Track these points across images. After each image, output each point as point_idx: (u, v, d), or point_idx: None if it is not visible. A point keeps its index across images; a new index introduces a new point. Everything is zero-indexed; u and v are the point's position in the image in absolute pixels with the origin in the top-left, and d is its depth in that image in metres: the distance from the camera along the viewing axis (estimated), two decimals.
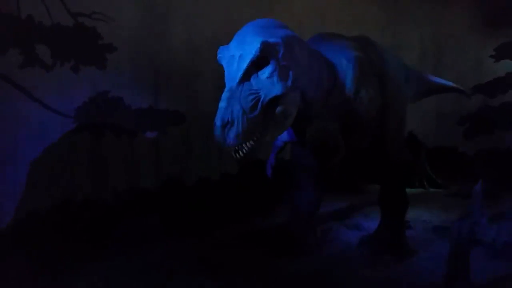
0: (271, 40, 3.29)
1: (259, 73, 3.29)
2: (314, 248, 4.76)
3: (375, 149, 4.57)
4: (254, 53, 3.20)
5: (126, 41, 5.46)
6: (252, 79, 3.27)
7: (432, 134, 8.22)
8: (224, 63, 3.39)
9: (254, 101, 3.21)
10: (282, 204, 5.74)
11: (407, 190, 4.95)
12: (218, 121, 3.11)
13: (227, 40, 3.58)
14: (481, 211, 5.37)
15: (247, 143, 3.23)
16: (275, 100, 3.32)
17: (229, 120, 3.09)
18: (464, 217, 5.24)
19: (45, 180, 5.01)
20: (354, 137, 4.18)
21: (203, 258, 4.52)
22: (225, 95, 3.21)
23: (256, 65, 3.26)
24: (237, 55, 3.28)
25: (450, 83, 6.17)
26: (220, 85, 3.41)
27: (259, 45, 3.20)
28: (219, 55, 3.43)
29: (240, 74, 3.23)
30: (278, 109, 3.34)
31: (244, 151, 3.24)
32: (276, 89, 3.30)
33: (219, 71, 3.42)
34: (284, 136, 4.28)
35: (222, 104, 3.16)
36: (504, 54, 7.93)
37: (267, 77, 3.29)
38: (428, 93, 5.85)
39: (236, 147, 3.24)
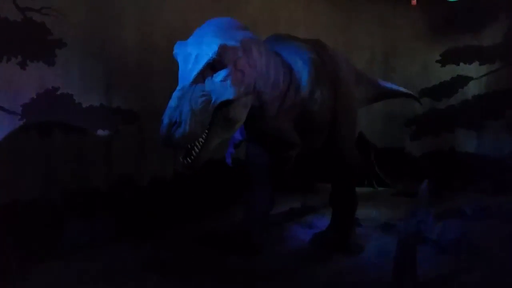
0: (230, 43, 3.28)
1: (213, 75, 3.27)
2: (268, 246, 4.81)
3: (327, 150, 4.67)
4: (210, 55, 3.18)
5: (77, 37, 5.31)
6: (205, 81, 3.25)
7: (381, 135, 8.45)
8: (179, 59, 3.34)
9: (204, 103, 3.18)
10: (237, 203, 5.76)
11: (357, 189, 5.09)
12: (165, 119, 3.07)
13: (182, 39, 3.55)
14: (427, 209, 5.57)
15: (195, 148, 3.21)
16: (226, 104, 3.32)
17: (177, 120, 3.06)
18: (411, 215, 5.41)
19: None
20: (308, 136, 4.25)
21: (157, 259, 4.47)
22: (176, 94, 3.17)
23: (211, 67, 3.25)
24: (193, 54, 3.24)
25: (402, 89, 6.35)
26: (174, 84, 3.38)
27: (216, 48, 3.18)
28: (175, 51, 3.37)
29: (194, 74, 3.20)
30: (228, 114, 3.34)
31: (192, 157, 3.22)
32: (228, 94, 3.29)
33: (173, 70, 3.38)
34: (240, 135, 4.31)
35: (172, 103, 3.12)
36: (450, 59, 8.27)
37: (221, 81, 3.27)
38: (380, 97, 6.01)
39: (184, 153, 3.22)
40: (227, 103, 3.31)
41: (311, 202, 6.29)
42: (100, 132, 5.58)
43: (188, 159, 3.22)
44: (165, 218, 5.44)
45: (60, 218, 4.98)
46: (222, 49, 3.21)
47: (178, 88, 3.21)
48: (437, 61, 8.36)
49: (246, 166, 4.97)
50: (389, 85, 6.11)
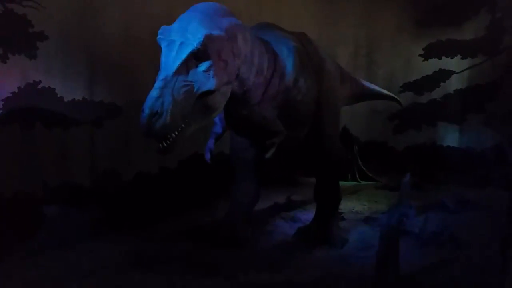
0: (215, 32, 3.25)
1: (197, 65, 3.23)
2: (252, 240, 4.83)
3: (311, 144, 4.68)
4: (195, 45, 3.14)
5: (59, 29, 5.25)
6: (188, 70, 3.22)
7: (364, 129, 8.51)
8: (163, 45, 3.29)
9: (187, 93, 3.16)
10: (221, 197, 5.76)
11: (341, 182, 5.13)
12: (146, 109, 3.02)
13: None
14: (409, 203, 5.63)
15: (172, 134, 3.19)
16: (206, 94, 3.29)
17: (158, 110, 3.03)
18: (393, 208, 5.47)
19: None
20: (290, 126, 4.22)
21: (142, 253, 4.46)
22: (158, 84, 3.12)
23: (195, 56, 3.20)
24: (178, 41, 3.20)
25: (385, 91, 6.40)
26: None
27: (202, 38, 3.15)
28: (159, 36, 3.30)
29: (177, 64, 3.15)
30: (208, 103, 3.32)
31: (168, 142, 3.19)
32: (210, 84, 3.26)
33: (157, 63, 3.34)
34: (223, 123, 4.27)
35: (153, 93, 3.07)
36: (432, 54, 8.33)
37: (204, 71, 3.24)
38: (362, 98, 6.04)
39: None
40: (208, 93, 3.29)
41: (295, 196, 6.31)
42: (83, 126, 5.53)
43: (164, 143, 3.19)
44: (150, 212, 5.42)
45: (43, 213, 4.93)
46: (207, 39, 3.18)
47: (160, 77, 3.16)
48: (419, 55, 8.42)
49: (231, 160, 4.97)
50: (372, 86, 6.14)
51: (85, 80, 5.58)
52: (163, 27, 3.33)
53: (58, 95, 5.31)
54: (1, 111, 4.85)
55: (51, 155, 5.25)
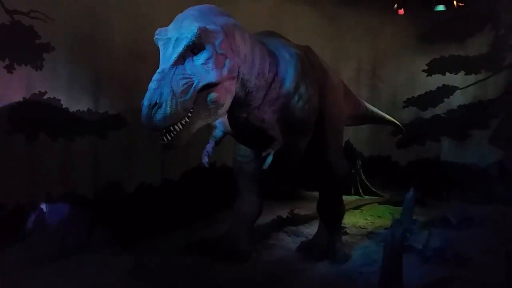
0: (210, 27, 3.29)
1: (194, 58, 3.26)
2: (255, 254, 4.81)
3: (314, 157, 4.68)
4: (190, 38, 3.18)
5: (65, 41, 5.28)
6: (186, 64, 3.23)
7: (368, 143, 8.52)
8: (160, 44, 3.35)
9: (186, 86, 3.17)
10: (224, 210, 5.75)
11: (344, 197, 5.12)
12: (145, 101, 3.06)
13: None
14: (412, 218, 5.63)
15: (176, 127, 3.18)
16: (209, 87, 3.30)
17: (157, 101, 3.04)
18: (397, 223, 5.46)
19: None
20: (290, 131, 4.19)
21: (144, 266, 4.44)
22: (156, 76, 3.16)
23: (192, 50, 3.24)
24: (173, 38, 3.25)
25: (388, 116, 6.41)
26: None
27: (195, 31, 3.18)
28: (156, 36, 3.37)
29: (174, 57, 3.19)
30: (211, 97, 3.32)
31: (171, 135, 3.18)
32: (210, 77, 3.28)
33: None
34: (223, 126, 4.24)
35: (152, 85, 3.11)
36: (436, 69, 8.36)
37: (202, 64, 3.26)
38: (364, 119, 6.04)
39: (164, 131, 3.16)
40: (210, 86, 3.30)
41: (299, 210, 6.29)
42: (87, 137, 5.54)
43: (168, 136, 3.19)
44: (152, 225, 5.41)
45: (45, 223, 4.93)
46: (201, 31, 3.21)
47: (158, 71, 3.21)
48: (423, 71, 8.45)
49: (234, 173, 4.97)
50: (375, 109, 6.14)
51: (90, 91, 5.59)
52: (159, 28, 3.39)
53: (63, 106, 5.33)
54: (7, 121, 4.86)
55: (55, 166, 5.26)
